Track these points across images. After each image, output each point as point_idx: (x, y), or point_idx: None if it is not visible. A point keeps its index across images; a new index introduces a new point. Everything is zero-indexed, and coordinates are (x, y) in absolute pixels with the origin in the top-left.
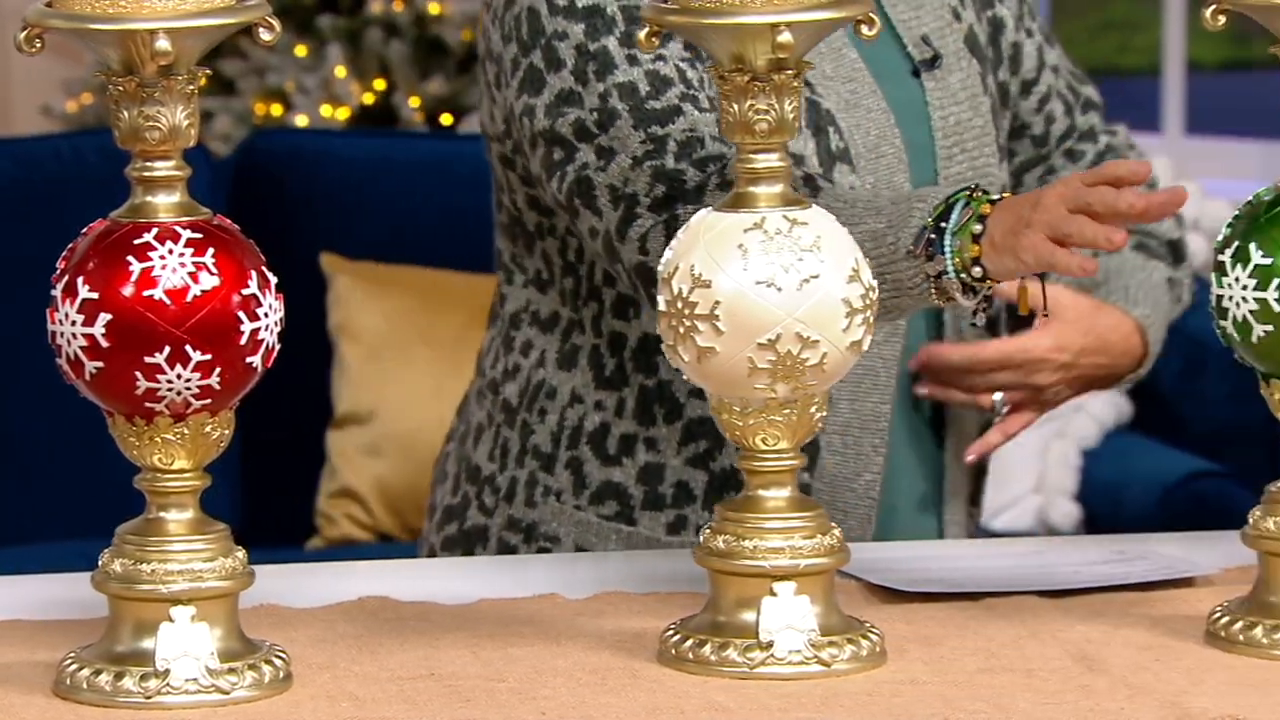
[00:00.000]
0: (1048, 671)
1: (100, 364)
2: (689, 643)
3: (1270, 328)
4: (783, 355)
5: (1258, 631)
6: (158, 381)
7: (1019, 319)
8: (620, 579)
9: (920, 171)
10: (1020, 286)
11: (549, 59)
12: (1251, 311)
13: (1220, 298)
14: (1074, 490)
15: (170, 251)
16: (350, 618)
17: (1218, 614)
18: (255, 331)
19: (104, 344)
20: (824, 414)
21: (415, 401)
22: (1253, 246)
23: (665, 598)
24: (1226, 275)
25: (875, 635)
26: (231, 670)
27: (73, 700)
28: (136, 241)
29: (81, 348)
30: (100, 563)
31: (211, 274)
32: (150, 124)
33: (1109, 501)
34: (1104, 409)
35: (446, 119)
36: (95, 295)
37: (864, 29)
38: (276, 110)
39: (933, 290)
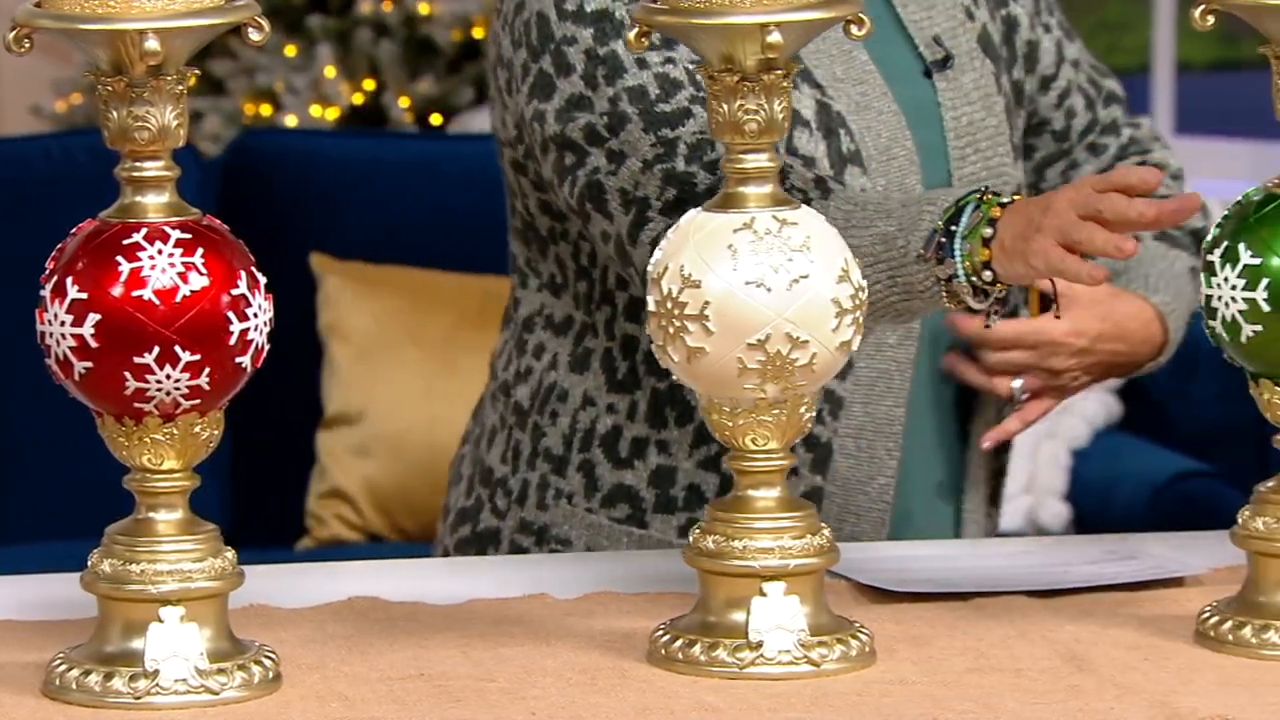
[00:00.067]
0: (1036, 671)
1: (89, 364)
2: (679, 643)
3: (1259, 328)
4: (772, 355)
5: (1246, 631)
6: (147, 382)
7: (1041, 308)
8: (610, 579)
9: (932, 173)
10: (1032, 289)
11: (559, 64)
12: (1240, 312)
13: (1210, 298)
14: (1063, 490)
15: (159, 252)
16: (340, 618)
17: (1207, 614)
18: (244, 332)
19: (93, 344)
20: (813, 414)
21: (405, 402)
22: (1242, 246)
23: (655, 598)
24: (1216, 275)
25: (865, 635)
26: (221, 671)
27: (62, 701)
28: (126, 242)
29: (70, 348)
30: (89, 563)
31: (201, 274)
32: (139, 124)
33: (1098, 501)
34: (1094, 409)
35: (436, 119)
36: (84, 295)
37: (854, 29)
38: (266, 110)
39: (943, 294)
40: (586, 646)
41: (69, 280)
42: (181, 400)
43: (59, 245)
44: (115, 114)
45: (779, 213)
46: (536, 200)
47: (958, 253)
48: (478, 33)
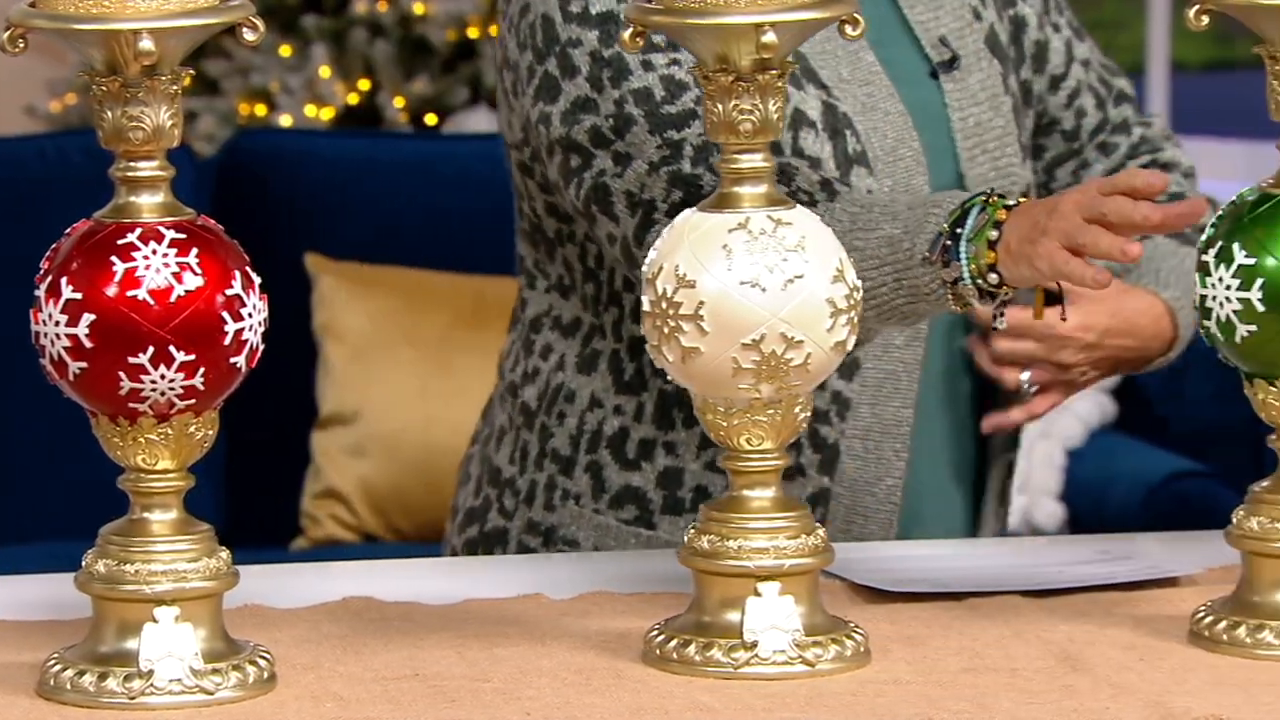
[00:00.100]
0: (1031, 671)
1: (84, 364)
2: (673, 643)
3: (1254, 328)
4: (767, 355)
5: (1241, 631)
6: (141, 382)
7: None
8: (605, 579)
9: (939, 174)
10: (1038, 292)
11: (564, 66)
12: (1235, 311)
13: (1204, 298)
14: (1058, 490)
15: (154, 252)
16: (335, 618)
17: (1201, 614)
18: (239, 332)
19: (87, 344)
20: (808, 414)
21: (400, 402)
22: (1236, 246)
23: (650, 598)
24: (1210, 275)
25: (859, 635)
26: (216, 671)
27: (56, 701)
28: (120, 242)
29: (65, 348)
30: (84, 563)
31: (195, 274)
32: (134, 124)
33: (1093, 501)
34: (1088, 409)
35: (431, 119)
36: (79, 295)
37: (848, 29)
38: (261, 110)
39: (949, 296)
40: (581, 646)
41: (64, 280)
42: (176, 400)
43: (53, 245)
44: (110, 114)
45: (774, 213)
46: (543, 202)
47: (963, 255)
48: (472, 33)
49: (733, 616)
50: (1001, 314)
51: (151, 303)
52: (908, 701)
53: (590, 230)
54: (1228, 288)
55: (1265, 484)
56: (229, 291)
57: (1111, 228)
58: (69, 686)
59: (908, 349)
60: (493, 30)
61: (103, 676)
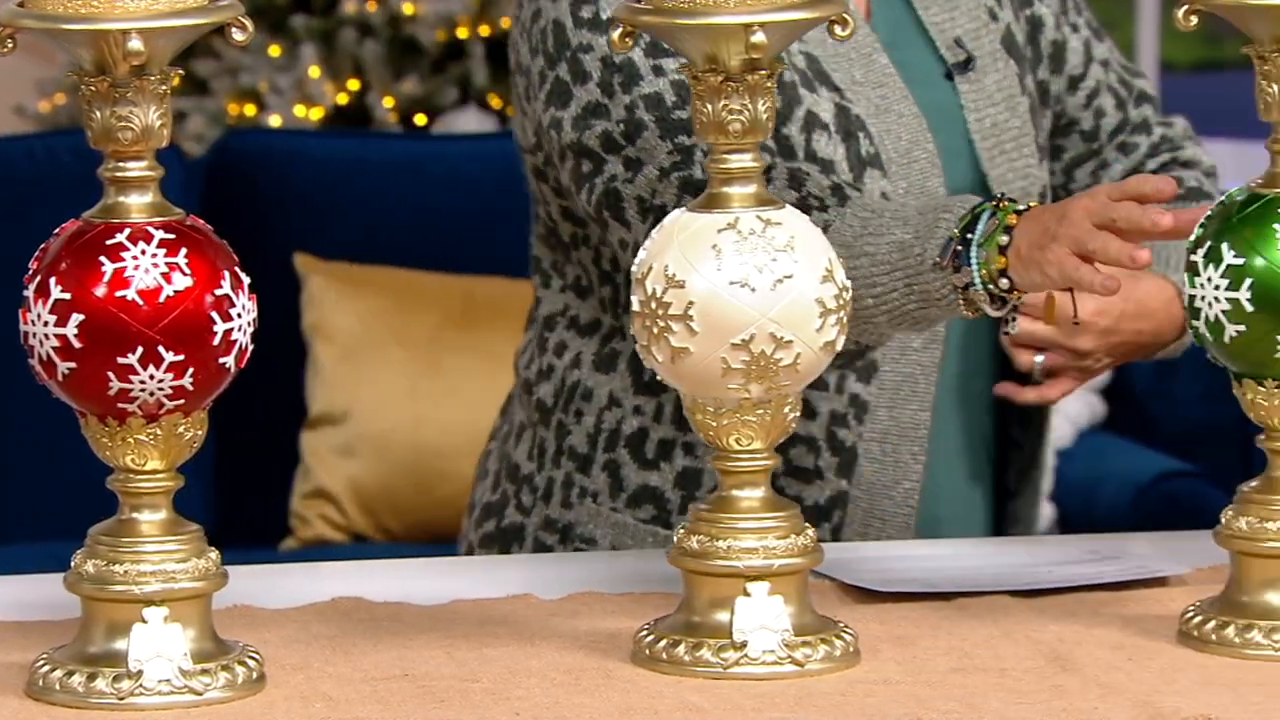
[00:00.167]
0: (1020, 671)
1: (73, 365)
2: (663, 643)
3: (1242, 328)
4: (756, 355)
5: (1230, 631)
6: (130, 382)
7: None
8: (595, 579)
9: (955, 176)
10: (1048, 296)
11: (575, 71)
12: (1224, 311)
13: (1193, 298)
14: (1047, 490)
15: (143, 252)
16: (324, 618)
17: (1190, 614)
18: (228, 332)
19: (76, 345)
20: (797, 414)
21: (389, 402)
22: (1225, 246)
23: (639, 598)
24: (1199, 275)
25: (849, 635)
26: (204, 671)
27: (45, 702)
28: (109, 242)
29: (54, 348)
30: (73, 564)
31: (184, 274)
32: (123, 124)
33: (1082, 501)
34: (1077, 409)
35: (420, 119)
36: (68, 296)
37: (837, 29)
38: (250, 110)
39: (961, 301)
40: (571, 647)
41: (52, 280)
42: (165, 400)
43: (42, 245)
44: (99, 114)
45: (763, 213)
46: (558, 207)
47: (974, 260)
48: (462, 33)
49: (722, 616)
50: (1013, 319)
51: (140, 303)
52: (897, 701)
53: (603, 235)
54: (1216, 288)
55: (1254, 484)
56: (218, 292)
57: (1121, 233)
58: (58, 687)
59: (925, 352)
60: (483, 30)
61: (92, 677)
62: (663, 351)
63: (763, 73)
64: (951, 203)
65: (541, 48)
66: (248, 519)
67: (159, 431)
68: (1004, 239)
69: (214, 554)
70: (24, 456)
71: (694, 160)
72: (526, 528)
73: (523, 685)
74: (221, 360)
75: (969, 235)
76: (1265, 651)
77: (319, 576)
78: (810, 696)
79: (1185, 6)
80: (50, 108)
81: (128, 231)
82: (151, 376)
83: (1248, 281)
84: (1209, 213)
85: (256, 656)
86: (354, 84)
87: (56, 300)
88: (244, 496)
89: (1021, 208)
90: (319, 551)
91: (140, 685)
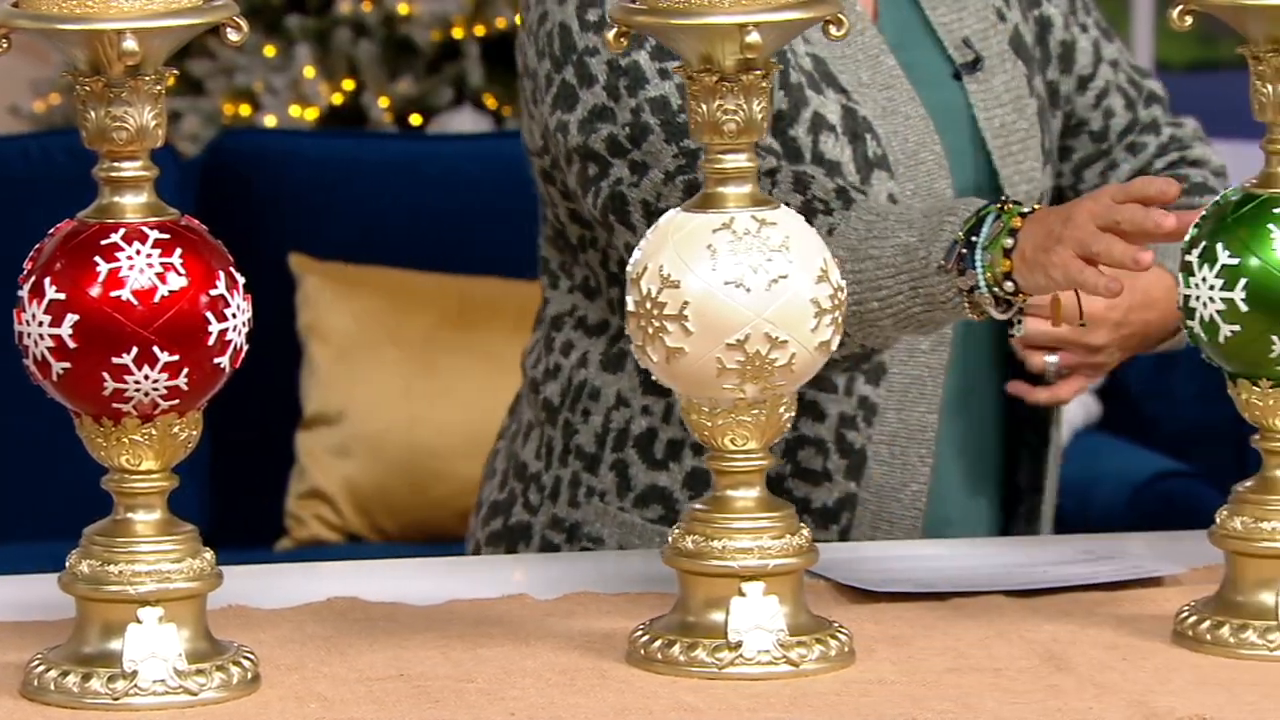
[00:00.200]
0: (1015, 671)
1: (67, 365)
2: (658, 643)
3: (1237, 328)
4: (751, 355)
5: (1225, 631)
6: (125, 382)
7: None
8: (590, 580)
9: (962, 177)
10: (1053, 298)
11: (581, 74)
12: (1219, 312)
13: (1188, 298)
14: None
15: (138, 252)
16: (319, 619)
17: (1185, 613)
18: (223, 332)
19: (71, 345)
20: (792, 414)
21: (384, 402)
22: (1219, 247)
23: (634, 598)
24: (1194, 275)
25: (844, 635)
26: (199, 671)
27: (40, 702)
28: (104, 242)
29: (49, 348)
30: (67, 564)
31: (179, 274)
32: (118, 124)
33: (1077, 501)
34: (1073, 409)
35: (415, 119)
36: (62, 296)
37: (832, 29)
38: (245, 110)
39: (966, 304)
40: (566, 647)
41: (47, 280)
42: (160, 401)
43: (37, 245)
44: (93, 114)
45: (758, 213)
46: (566, 209)
47: (979, 264)
48: (457, 33)
49: (717, 617)
50: (1019, 321)
51: (135, 303)
52: (892, 702)
53: (609, 239)
54: (1211, 288)
55: (1249, 484)
56: (213, 292)
57: (1125, 235)
58: (53, 687)
59: (933, 354)
60: (478, 31)
61: (86, 677)
62: (658, 351)
63: (758, 73)
64: (956, 205)
65: (548, 51)
66: (243, 519)
67: (154, 432)
68: (1009, 242)
69: (209, 554)
70: (20, 456)
71: (699, 164)
72: (533, 526)
73: (518, 685)
74: (216, 360)
75: (974, 238)
76: (1260, 651)
77: (314, 577)
78: (805, 696)
79: (1180, 6)
80: (45, 108)
81: (123, 232)
82: (146, 377)
83: (1242, 282)
84: (1204, 213)
85: (251, 657)
86: (349, 84)
87: (51, 300)
88: (239, 497)
89: (1026, 210)
90: (314, 552)
91: (135, 685)
